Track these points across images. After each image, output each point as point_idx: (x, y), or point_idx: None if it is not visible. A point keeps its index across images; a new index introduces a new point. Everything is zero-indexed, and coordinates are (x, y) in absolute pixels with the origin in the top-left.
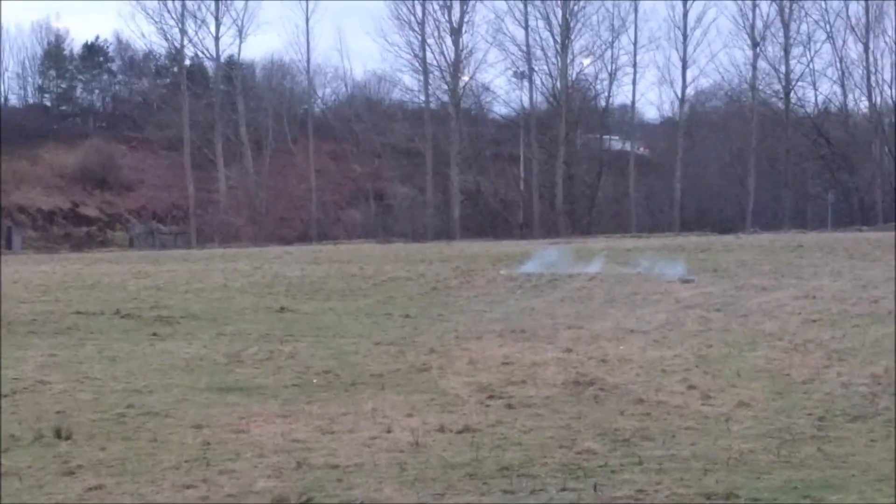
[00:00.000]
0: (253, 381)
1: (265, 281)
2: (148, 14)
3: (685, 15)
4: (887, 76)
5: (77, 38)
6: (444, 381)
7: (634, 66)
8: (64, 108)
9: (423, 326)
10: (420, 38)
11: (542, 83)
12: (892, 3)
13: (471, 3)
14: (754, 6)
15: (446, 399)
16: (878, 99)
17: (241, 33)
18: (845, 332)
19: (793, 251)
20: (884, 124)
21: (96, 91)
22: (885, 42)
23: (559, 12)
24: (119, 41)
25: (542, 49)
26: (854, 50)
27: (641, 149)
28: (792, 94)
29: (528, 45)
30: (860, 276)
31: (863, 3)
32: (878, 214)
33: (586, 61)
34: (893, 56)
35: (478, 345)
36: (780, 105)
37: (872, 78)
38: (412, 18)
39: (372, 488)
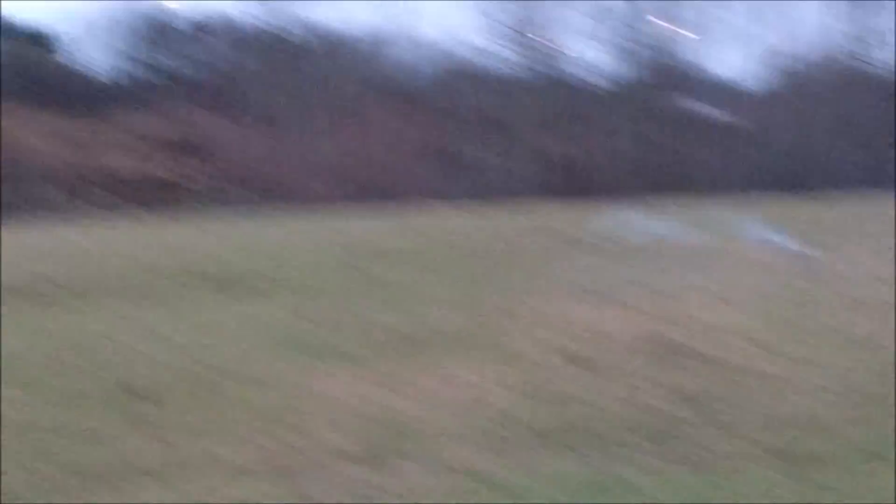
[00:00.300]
0: (324, 342)
1: (339, 242)
2: None
3: None
4: None
5: (185, 17)
6: (514, 341)
7: (729, 33)
8: (155, 79)
9: (498, 289)
10: (501, 3)
11: (628, 48)
12: None
13: None
14: None
15: (514, 359)
16: None
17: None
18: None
19: (882, 216)
20: None
21: (193, 64)
22: None
23: None
24: (224, 17)
25: (630, 13)
26: None
27: (733, 117)
28: None
29: (615, 11)
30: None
31: None
32: None
33: (669, 26)
34: None
35: (548, 305)
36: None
37: None
38: None
39: (442, 449)
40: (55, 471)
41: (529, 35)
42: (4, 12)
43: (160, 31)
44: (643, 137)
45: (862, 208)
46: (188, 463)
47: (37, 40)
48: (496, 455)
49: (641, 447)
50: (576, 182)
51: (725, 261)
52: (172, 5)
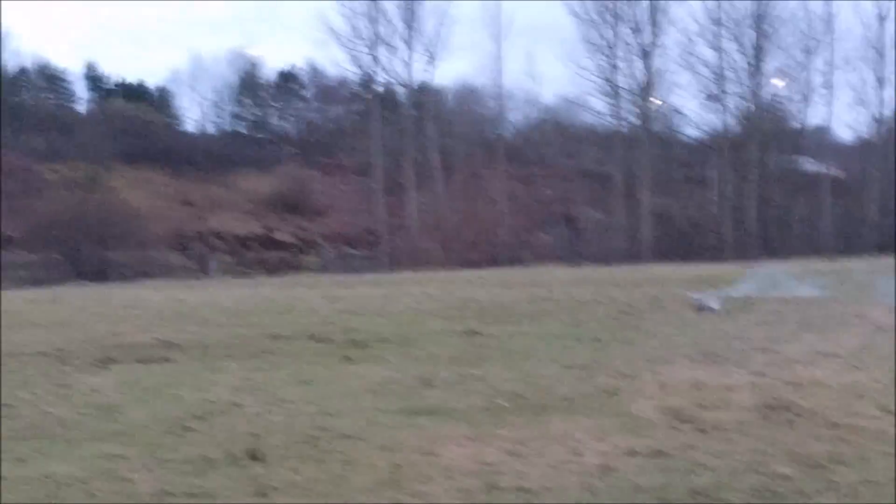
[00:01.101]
0: (442, 404)
1: (455, 304)
2: (340, 41)
3: (881, 34)
4: None
5: (271, 66)
6: (634, 404)
7: (829, 86)
8: (258, 135)
9: (612, 350)
10: (610, 61)
11: (735, 105)
12: None
13: (661, 26)
14: None
15: (636, 423)
16: None
17: (432, 59)
18: None
19: None
20: None
21: (290, 118)
22: None
23: (752, 34)
24: (313, 68)
25: (735, 71)
26: None
27: (835, 171)
28: None
29: (720, 67)
30: None
31: None
32: None
33: (780, 83)
34: None
35: (668, 368)
36: None
37: None
38: (602, 42)
39: None
40: None
41: (644, 95)
42: (109, 71)
43: (254, 84)
44: (757, 197)
45: None
46: None
47: (143, 96)
48: None
49: (774, 495)
50: (691, 243)
51: (851, 322)
52: (257, 55)
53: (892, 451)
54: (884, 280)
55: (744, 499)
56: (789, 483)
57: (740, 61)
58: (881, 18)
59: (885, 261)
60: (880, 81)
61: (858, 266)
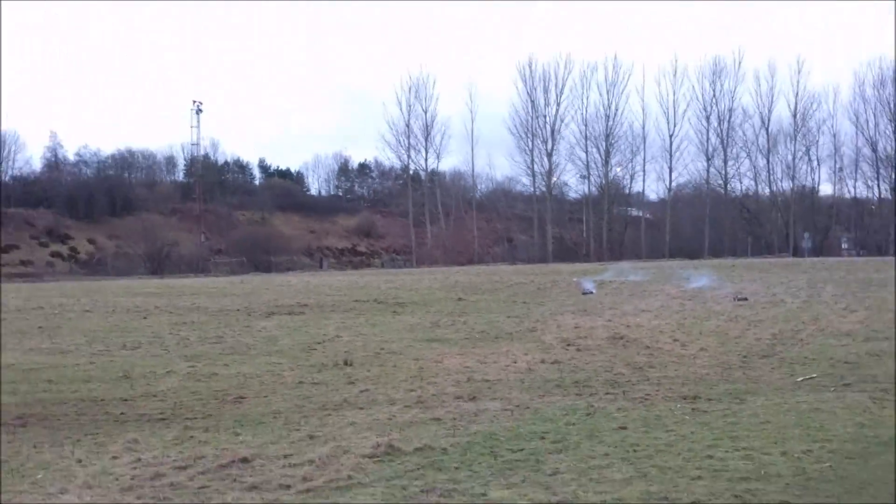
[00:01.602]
0: (444, 336)
1: (450, 284)
2: (391, 147)
3: (670, 143)
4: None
5: (356, 159)
6: (544, 336)
7: (644, 170)
8: (349, 196)
9: (532, 308)
10: (531, 158)
11: (595, 180)
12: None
13: (557, 139)
14: (707, 137)
15: (545, 346)
16: (776, 186)
17: (437, 156)
18: (757, 311)
19: (730, 268)
20: (777, 200)
21: (364, 187)
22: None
23: (603, 143)
24: (376, 161)
25: (595, 163)
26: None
27: (647, 215)
28: (728, 185)
29: (587, 161)
30: (766, 281)
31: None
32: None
33: (618, 169)
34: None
35: (562, 318)
36: (721, 191)
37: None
38: (527, 147)
39: (507, 392)
40: (307, 403)
41: (548, 175)
42: (271, 161)
43: (347, 169)
44: (608, 229)
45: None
46: (373, 399)
47: (288, 176)
48: (532, 394)
49: (609, 391)
50: (574, 253)
51: (657, 294)
52: (348, 154)
53: (678, 360)
54: (677, 271)
55: (602, 386)
56: (624, 377)
57: (598, 158)
58: (670, 135)
59: (678, 262)
60: (670, 168)
61: (663, 265)
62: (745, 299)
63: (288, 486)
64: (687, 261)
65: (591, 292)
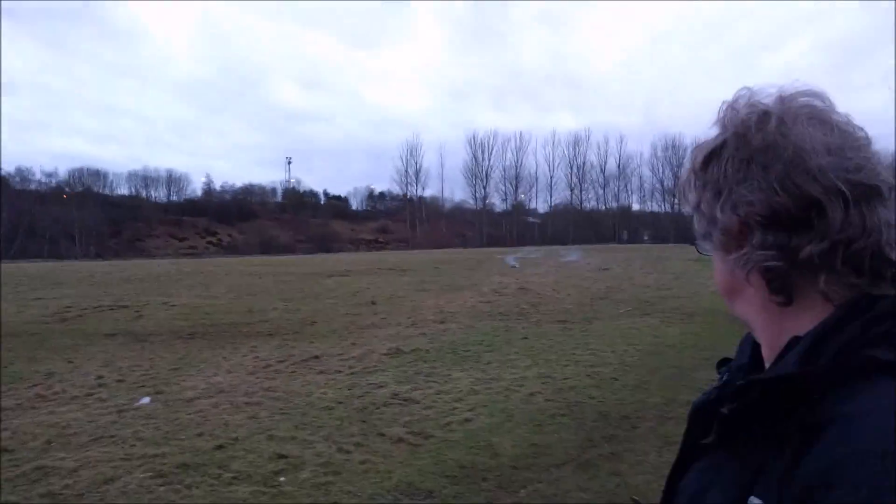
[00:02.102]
0: (427, 287)
1: (430, 259)
2: (397, 182)
3: (551, 180)
4: None
5: (378, 190)
6: (482, 288)
7: (536, 195)
8: (373, 210)
9: (476, 272)
10: (474, 189)
11: (509, 202)
12: None
13: (488, 178)
14: (571, 177)
15: (483, 294)
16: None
17: (423, 188)
18: (597, 273)
19: (582, 250)
20: (609, 212)
21: (382, 206)
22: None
23: (514, 181)
24: (389, 190)
25: (509, 192)
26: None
27: (538, 220)
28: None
29: (505, 191)
30: (602, 257)
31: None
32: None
33: (522, 195)
34: None
35: (492, 279)
36: (579, 207)
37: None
38: (471, 183)
39: (462, 319)
40: (350, 325)
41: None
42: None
43: (372, 196)
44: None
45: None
46: (388, 323)
47: (339, 199)
48: (474, 320)
49: (517, 318)
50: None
51: (544, 265)
52: (373, 186)
53: (553, 302)
54: (555, 252)
55: (514, 315)
56: (525, 310)
57: (511, 189)
58: (551, 176)
59: (557, 246)
60: (551, 195)
61: (548, 248)
62: (608, 269)
63: (340, 371)
64: (561, 246)
65: (515, 266)
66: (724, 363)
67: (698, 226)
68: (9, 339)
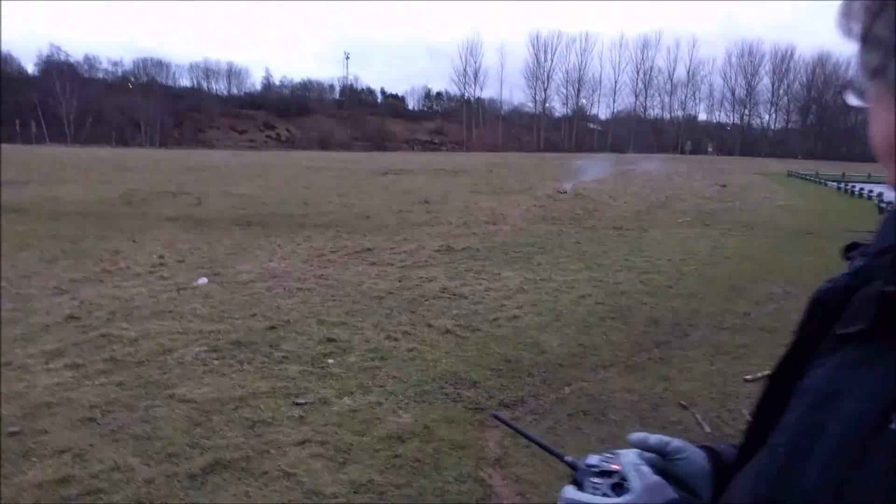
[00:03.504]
0: (480, 189)
1: (484, 162)
2: (455, 83)
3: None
4: None
5: (435, 88)
6: (537, 192)
7: (598, 101)
8: (430, 110)
9: (530, 176)
10: (534, 91)
11: (570, 106)
12: None
13: (549, 81)
14: (636, 84)
15: (537, 198)
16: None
17: (481, 88)
18: (657, 182)
19: (643, 160)
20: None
21: (439, 105)
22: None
23: (576, 84)
24: (447, 91)
25: (570, 96)
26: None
27: (599, 128)
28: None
29: (566, 94)
30: (665, 167)
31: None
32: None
33: (583, 100)
34: None
35: (546, 183)
36: (642, 115)
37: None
38: (531, 85)
39: (513, 221)
40: (403, 222)
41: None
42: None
43: (430, 95)
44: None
45: None
46: (439, 222)
47: (397, 97)
48: (527, 223)
49: (571, 222)
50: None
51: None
52: (431, 85)
53: (611, 207)
54: (613, 160)
55: (567, 220)
56: (580, 216)
57: (573, 93)
58: (615, 81)
59: (616, 154)
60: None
61: (607, 156)
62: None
63: (391, 264)
64: (621, 154)
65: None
66: (852, 248)
67: (866, 60)
68: (77, 218)
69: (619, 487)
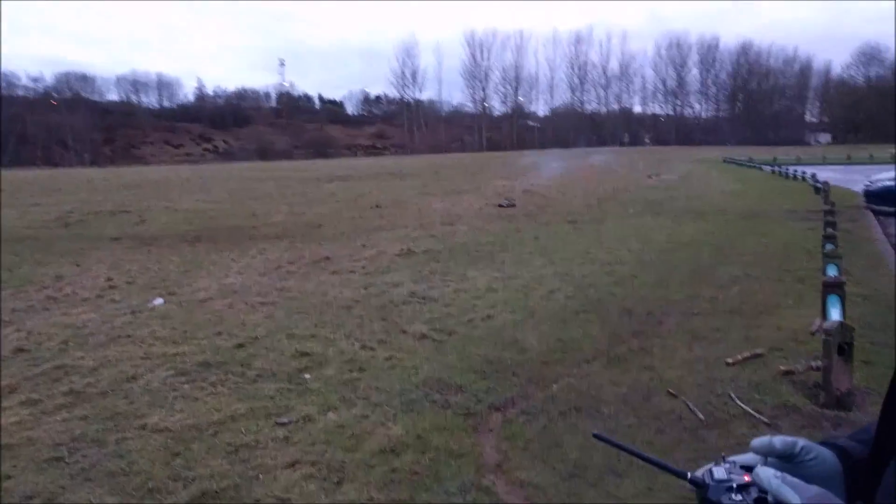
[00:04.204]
0: (430, 191)
1: (430, 164)
2: (393, 85)
3: (551, 81)
4: None
5: (373, 92)
6: (486, 191)
7: (537, 98)
8: (369, 114)
9: (477, 176)
10: (473, 91)
11: (509, 104)
12: None
13: (487, 80)
14: (572, 79)
15: (486, 196)
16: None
17: (420, 90)
18: (602, 174)
19: (584, 154)
20: (610, 115)
21: (378, 109)
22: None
23: (514, 82)
24: (385, 94)
25: (509, 94)
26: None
27: (538, 125)
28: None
29: (504, 93)
30: (606, 160)
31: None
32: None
33: (521, 98)
34: None
35: (494, 182)
36: (580, 110)
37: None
38: (470, 85)
39: (468, 221)
40: (357, 228)
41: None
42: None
43: (369, 99)
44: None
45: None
46: (395, 225)
47: (335, 103)
48: (483, 222)
49: (525, 219)
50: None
51: (546, 168)
52: (369, 89)
53: (563, 202)
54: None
55: (522, 216)
56: (534, 211)
57: (511, 91)
58: (551, 77)
59: (557, 150)
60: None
61: (547, 152)
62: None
63: (353, 272)
64: (562, 149)
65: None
66: None
67: None
68: (13, 244)
69: (763, 503)
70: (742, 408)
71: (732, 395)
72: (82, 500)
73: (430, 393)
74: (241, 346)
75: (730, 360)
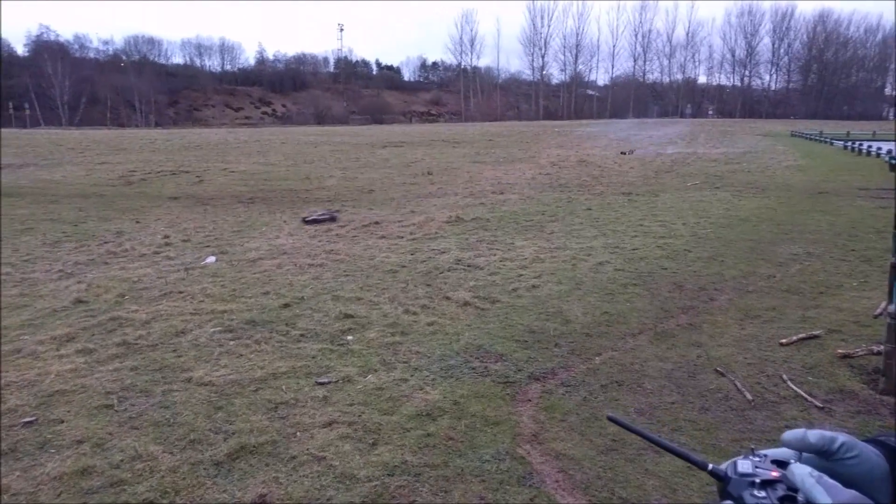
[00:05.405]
0: (482, 159)
1: (484, 132)
2: (451, 52)
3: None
4: None
5: (430, 58)
6: (540, 160)
7: (596, 67)
8: (426, 81)
9: (532, 145)
10: (531, 58)
11: (568, 73)
12: None
13: (547, 48)
14: (635, 48)
15: (541, 165)
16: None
17: (477, 57)
18: (662, 146)
19: (645, 125)
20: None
21: (435, 75)
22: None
23: (574, 50)
24: (442, 60)
25: (569, 62)
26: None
27: (597, 94)
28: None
29: (564, 61)
30: (667, 131)
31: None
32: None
33: (581, 66)
34: None
35: (549, 151)
36: (641, 80)
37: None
38: (528, 52)
39: (520, 189)
40: (408, 194)
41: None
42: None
43: (426, 66)
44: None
45: None
46: (445, 193)
47: (392, 69)
48: (534, 191)
49: (579, 189)
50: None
51: (602, 139)
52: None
53: (618, 173)
54: (613, 126)
55: (575, 187)
56: (587, 182)
57: (570, 59)
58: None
59: (616, 120)
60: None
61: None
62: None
63: (401, 237)
64: (621, 120)
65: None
66: None
67: None
68: (77, 200)
69: (791, 501)
70: (794, 390)
71: (784, 377)
72: (128, 447)
73: (470, 360)
74: (286, 305)
75: (784, 341)
